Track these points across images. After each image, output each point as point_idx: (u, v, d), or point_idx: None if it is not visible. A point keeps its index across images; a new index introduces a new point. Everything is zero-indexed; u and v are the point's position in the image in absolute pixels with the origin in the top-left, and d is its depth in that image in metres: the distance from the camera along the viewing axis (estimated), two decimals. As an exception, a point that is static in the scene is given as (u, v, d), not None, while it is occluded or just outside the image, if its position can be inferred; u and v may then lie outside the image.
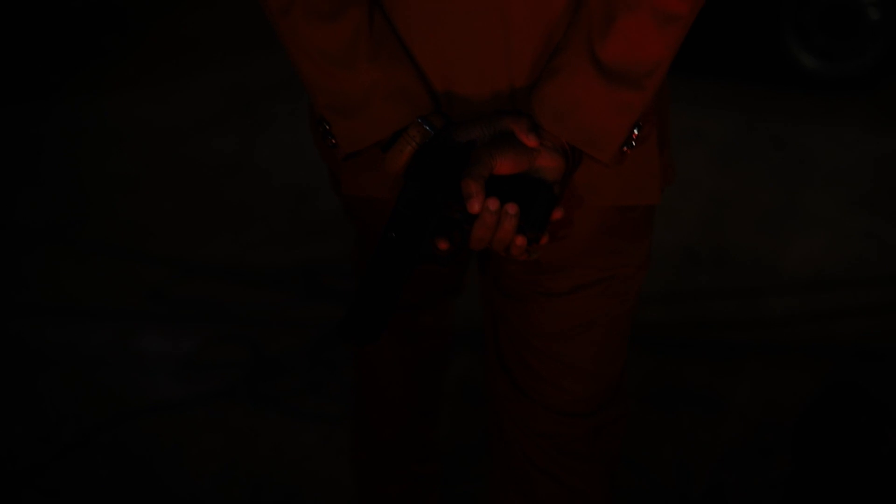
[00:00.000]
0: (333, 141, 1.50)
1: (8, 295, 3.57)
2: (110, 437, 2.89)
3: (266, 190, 4.32)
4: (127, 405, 3.03)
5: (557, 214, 1.43)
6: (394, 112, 1.45)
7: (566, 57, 1.42)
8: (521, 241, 1.41)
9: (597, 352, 1.65)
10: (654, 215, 1.64)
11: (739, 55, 5.37)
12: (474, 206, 1.37)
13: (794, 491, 2.67)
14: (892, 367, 3.12)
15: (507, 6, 1.42)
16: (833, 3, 5.08)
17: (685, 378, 3.09)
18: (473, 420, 2.89)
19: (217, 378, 3.14)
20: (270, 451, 2.85)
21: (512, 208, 1.38)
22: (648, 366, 3.13)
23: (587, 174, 1.51)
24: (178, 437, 2.90)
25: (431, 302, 1.98)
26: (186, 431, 2.92)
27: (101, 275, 3.71)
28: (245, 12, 6.12)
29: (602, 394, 1.68)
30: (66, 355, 3.26)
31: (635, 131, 1.45)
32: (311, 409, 2.99)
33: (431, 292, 1.95)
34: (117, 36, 6.05)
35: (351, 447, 2.21)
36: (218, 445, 2.87)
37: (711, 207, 4.13)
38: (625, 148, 1.45)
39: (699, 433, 2.87)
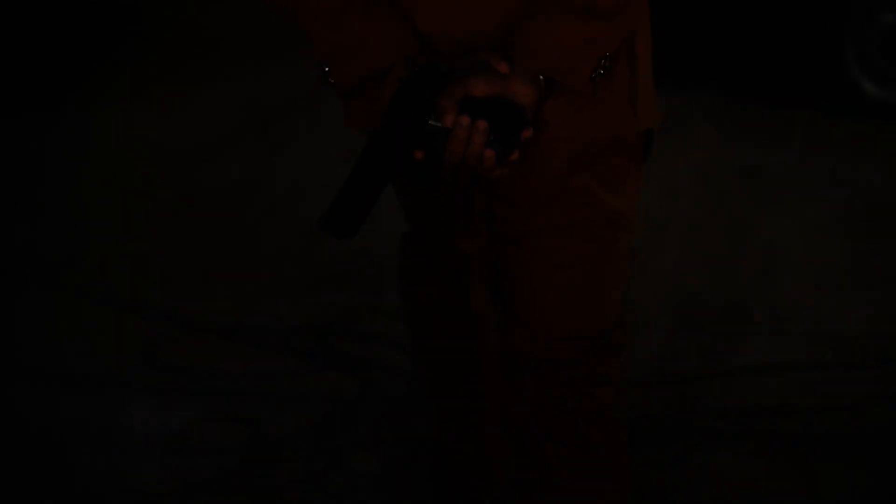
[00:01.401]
0: (332, 81, 1.72)
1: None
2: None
3: (277, 224, 3.98)
4: (101, 496, 2.68)
5: (527, 133, 1.61)
6: (383, 53, 1.66)
7: None
8: (489, 153, 1.60)
9: (577, 295, 1.83)
10: (643, 171, 1.82)
11: (794, 80, 4.96)
12: (447, 120, 1.58)
13: None
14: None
15: None
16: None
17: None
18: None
19: (208, 465, 2.78)
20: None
21: (482, 124, 1.58)
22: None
23: (560, 108, 1.68)
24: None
25: (465, 226, 2.02)
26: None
27: (91, 327, 3.38)
28: (264, 13, 5.73)
29: (591, 330, 1.86)
30: (36, 429, 2.91)
31: (604, 62, 1.62)
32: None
33: (462, 218, 2.01)
34: (131, 38, 5.68)
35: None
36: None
37: (765, 259, 3.74)
38: (594, 76, 1.63)
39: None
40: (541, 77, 1.63)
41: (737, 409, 2.95)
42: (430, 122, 1.61)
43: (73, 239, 3.90)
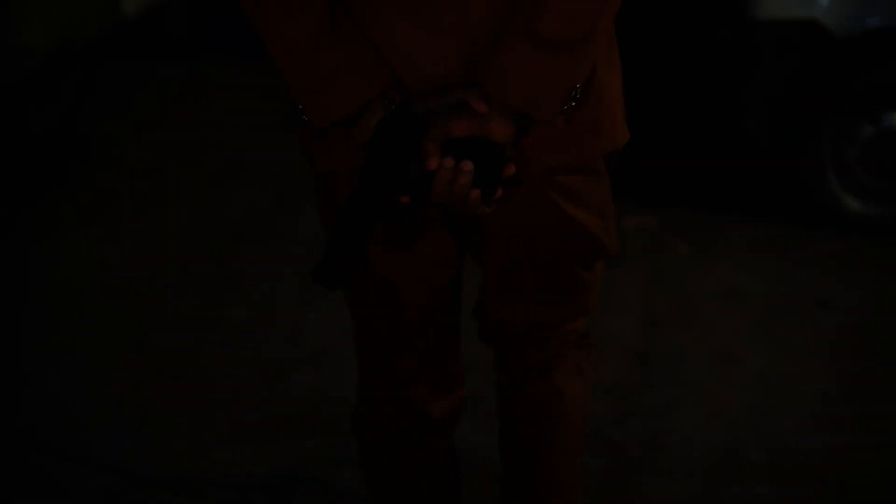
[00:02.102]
0: (305, 118, 1.75)
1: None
2: None
3: (234, 363, 3.69)
4: None
5: (510, 171, 1.66)
6: (357, 88, 1.67)
7: (510, 33, 1.65)
8: (475, 194, 1.65)
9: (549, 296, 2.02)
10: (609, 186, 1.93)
11: (770, 193, 4.77)
12: (432, 164, 1.61)
13: None
14: None
15: (465, 5, 1.67)
16: (881, 134, 4.47)
17: None
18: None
19: None
20: None
21: (466, 165, 1.62)
22: None
23: (535, 136, 1.74)
24: None
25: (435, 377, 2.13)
26: None
27: (27, 481, 3.06)
28: (208, 143, 5.49)
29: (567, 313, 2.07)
30: None
31: (576, 93, 1.70)
32: None
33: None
34: (79, 165, 5.40)
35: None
36: None
37: (757, 393, 3.50)
38: (565, 107, 1.69)
39: None
40: (516, 113, 1.68)
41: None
42: (414, 167, 1.63)
43: (11, 379, 3.61)
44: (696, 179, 5.00)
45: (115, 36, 6.27)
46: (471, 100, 1.66)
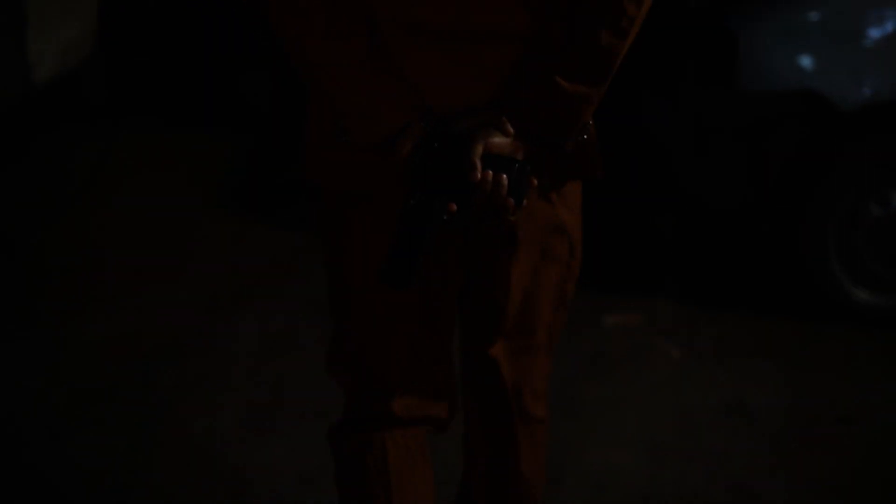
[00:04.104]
0: (346, 138, 2.00)
1: None
2: None
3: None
4: None
5: (534, 183, 1.97)
6: (399, 111, 1.95)
7: (536, 75, 1.96)
8: (510, 202, 1.93)
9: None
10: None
11: (769, 285, 4.27)
12: (476, 176, 1.90)
13: None
14: None
15: (481, 57, 1.97)
16: (889, 216, 3.99)
17: None
18: None
19: None
20: None
21: (503, 178, 1.91)
22: None
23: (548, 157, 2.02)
24: None
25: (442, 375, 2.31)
26: None
27: None
28: (142, 227, 4.90)
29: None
30: None
31: (587, 125, 2.05)
32: None
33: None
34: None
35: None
36: None
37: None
38: (584, 136, 2.05)
39: None
40: (534, 136, 1.96)
41: None
42: (460, 179, 1.89)
43: None
44: (683, 268, 4.49)
45: (28, 104, 5.67)
46: (502, 122, 1.94)
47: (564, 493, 3.17)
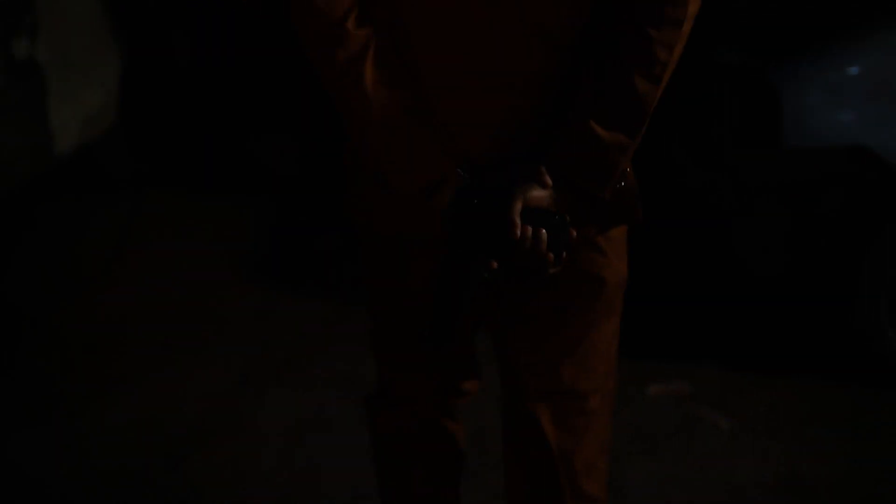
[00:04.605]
0: (388, 187, 2.01)
1: None
2: None
3: None
4: None
5: (573, 237, 1.96)
6: (438, 163, 1.96)
7: (573, 125, 1.96)
8: (550, 256, 1.93)
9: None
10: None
11: (826, 352, 4.09)
12: (515, 233, 1.89)
13: None
14: None
15: (511, 101, 1.98)
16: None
17: None
18: None
19: None
20: None
21: (542, 233, 1.91)
22: None
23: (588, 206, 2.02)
24: None
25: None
26: None
27: None
28: (165, 302, 4.76)
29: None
30: None
31: (624, 174, 2.05)
32: None
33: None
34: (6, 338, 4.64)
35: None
36: None
37: None
38: (621, 183, 2.05)
39: None
40: (572, 186, 1.96)
41: None
42: (500, 236, 1.88)
43: None
44: (728, 333, 4.32)
45: (50, 177, 5.56)
46: (539, 175, 1.93)
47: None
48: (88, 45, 5.69)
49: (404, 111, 1.95)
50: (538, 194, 1.93)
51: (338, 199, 2.32)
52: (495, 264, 1.91)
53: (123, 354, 4.34)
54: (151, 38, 6.14)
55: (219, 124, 6.28)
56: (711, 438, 3.70)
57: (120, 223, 5.55)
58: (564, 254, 1.95)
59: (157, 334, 4.48)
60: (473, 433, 3.25)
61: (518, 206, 1.91)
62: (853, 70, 3.81)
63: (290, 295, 4.81)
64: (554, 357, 2.19)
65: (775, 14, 4.04)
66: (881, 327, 3.87)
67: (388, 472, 2.52)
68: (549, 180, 1.94)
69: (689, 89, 3.98)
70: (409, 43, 1.96)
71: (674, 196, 4.19)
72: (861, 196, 3.78)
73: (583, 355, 2.20)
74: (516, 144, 2.00)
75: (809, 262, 3.87)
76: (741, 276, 4.01)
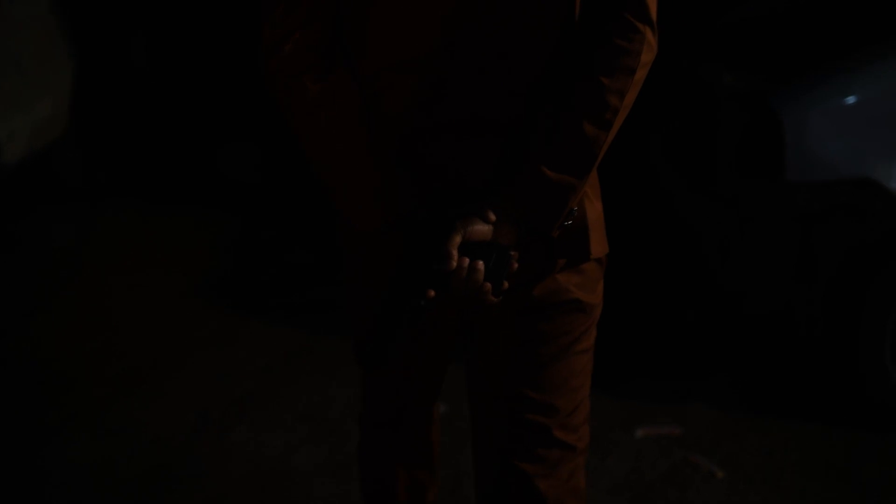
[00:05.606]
0: (349, 223, 2.15)
1: None
2: None
3: None
4: None
5: (513, 268, 2.04)
6: (395, 204, 2.07)
7: (526, 165, 2.05)
8: (487, 286, 2.02)
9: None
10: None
11: (825, 393, 3.86)
12: (451, 264, 1.98)
13: None
14: None
15: (476, 145, 2.08)
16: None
17: None
18: None
19: None
20: None
21: (479, 265, 2.00)
22: None
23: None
24: None
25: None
26: None
27: None
28: (118, 338, 4.47)
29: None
30: None
31: (572, 213, 2.09)
32: None
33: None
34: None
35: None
36: None
37: None
38: (568, 222, 2.10)
39: None
40: (521, 222, 2.05)
41: None
42: (437, 266, 1.99)
43: None
44: (719, 371, 4.08)
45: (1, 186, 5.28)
46: (485, 210, 2.02)
47: None
48: (40, 51, 5.43)
49: (361, 158, 2.06)
50: (479, 228, 2.01)
51: (304, 211, 2.27)
52: (432, 293, 1.99)
53: (78, 390, 4.04)
54: (106, 44, 5.84)
55: (177, 132, 5.97)
56: (707, 490, 3.45)
57: (75, 236, 5.27)
58: (505, 284, 2.04)
59: (111, 366, 4.19)
60: (450, 479, 3.00)
61: (457, 239, 1.99)
62: (863, 96, 3.57)
63: (255, 319, 4.52)
64: (518, 387, 2.24)
65: (778, 40, 3.82)
66: (885, 369, 3.64)
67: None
68: (492, 216, 2.02)
69: (682, 114, 3.75)
70: (375, 86, 2.08)
71: (662, 224, 3.95)
72: (865, 230, 3.55)
73: (548, 388, 2.24)
74: (474, 183, 2.08)
75: (809, 299, 3.63)
76: (736, 313, 3.77)
